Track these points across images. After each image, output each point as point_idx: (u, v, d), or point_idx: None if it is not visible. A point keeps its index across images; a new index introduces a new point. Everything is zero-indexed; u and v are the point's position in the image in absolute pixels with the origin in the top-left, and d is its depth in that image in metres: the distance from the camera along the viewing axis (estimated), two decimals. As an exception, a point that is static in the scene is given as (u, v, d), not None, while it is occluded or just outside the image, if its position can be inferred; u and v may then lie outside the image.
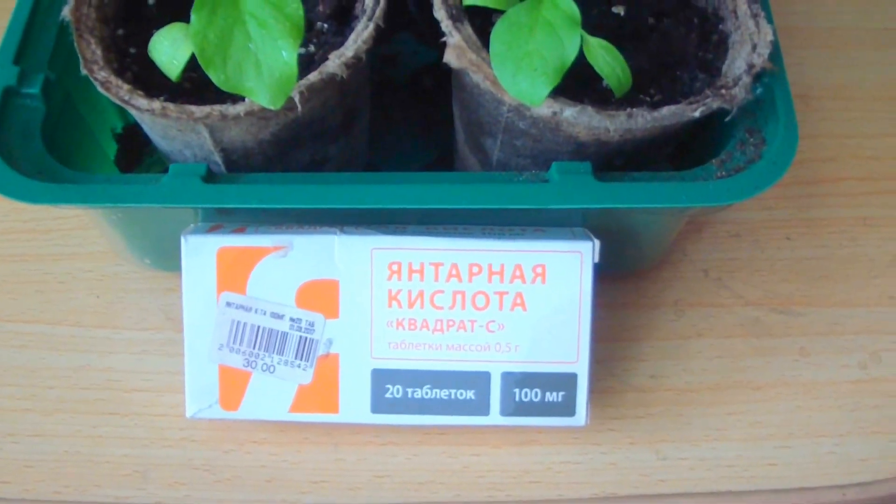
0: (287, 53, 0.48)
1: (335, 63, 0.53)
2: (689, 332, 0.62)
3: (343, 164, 0.61)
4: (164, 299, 0.63)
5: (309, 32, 0.58)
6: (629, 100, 0.55)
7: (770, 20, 0.56)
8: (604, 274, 0.58)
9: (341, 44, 0.54)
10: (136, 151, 0.66)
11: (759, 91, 0.56)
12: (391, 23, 0.58)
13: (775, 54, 0.56)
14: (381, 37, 0.56)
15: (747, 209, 0.67)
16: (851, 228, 0.66)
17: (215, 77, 0.48)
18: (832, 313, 0.63)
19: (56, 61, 0.58)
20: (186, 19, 0.50)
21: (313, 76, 0.52)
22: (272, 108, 0.49)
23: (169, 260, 0.60)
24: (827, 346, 0.62)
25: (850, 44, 0.75)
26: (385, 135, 0.68)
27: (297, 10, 0.49)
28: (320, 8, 0.59)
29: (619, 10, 0.59)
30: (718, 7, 0.59)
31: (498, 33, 0.49)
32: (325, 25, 0.58)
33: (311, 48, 0.57)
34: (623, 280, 0.64)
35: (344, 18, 0.58)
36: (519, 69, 0.48)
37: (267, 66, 0.48)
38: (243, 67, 0.48)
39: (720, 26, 0.59)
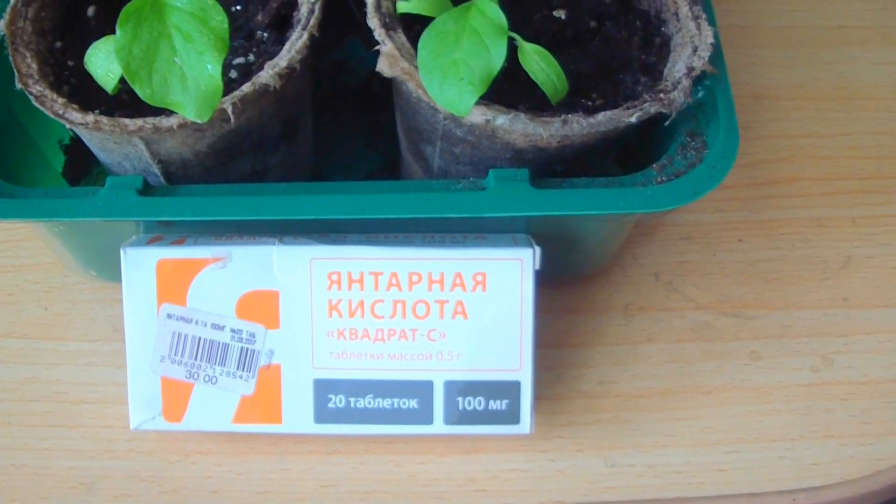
0: (212, 67, 0.48)
1: (268, 74, 0.52)
2: (638, 336, 0.62)
3: (286, 173, 0.61)
4: (110, 310, 0.63)
5: (249, 42, 0.58)
6: (570, 104, 0.55)
7: (712, 22, 0.56)
8: (552, 279, 0.58)
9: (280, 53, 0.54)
10: (84, 162, 0.66)
11: (700, 94, 0.55)
12: (339, 29, 0.58)
13: (717, 57, 0.55)
14: (327, 43, 0.55)
15: (699, 211, 0.66)
16: (805, 229, 0.66)
17: (141, 92, 0.48)
18: (784, 316, 0.63)
19: (-5, 75, 0.58)
20: None
21: (246, 87, 0.52)
22: (199, 121, 0.48)
23: (113, 271, 0.59)
24: (778, 349, 0.62)
25: (805, 43, 0.74)
26: (332, 141, 0.68)
27: (221, 23, 0.48)
28: (259, 17, 0.58)
29: (561, 14, 0.59)
30: (661, 10, 0.58)
31: (425, 42, 0.49)
32: (265, 34, 0.58)
33: (251, 57, 0.57)
34: (571, 285, 0.64)
35: (283, 27, 0.58)
36: (446, 78, 0.48)
37: (193, 79, 0.48)
38: (169, 82, 0.48)
39: (662, 29, 0.58)
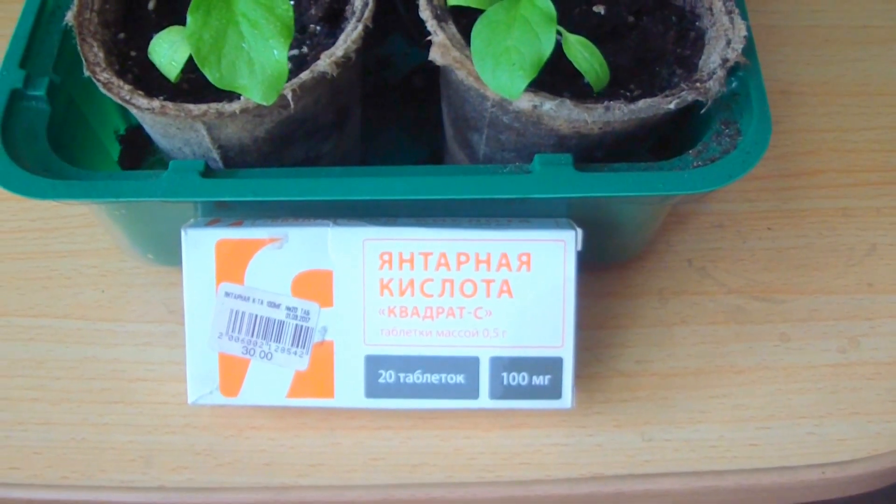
0: (278, 52, 0.51)
1: (326, 62, 0.55)
2: (673, 319, 0.64)
3: (336, 162, 0.63)
4: (166, 293, 0.65)
5: (302, 35, 0.61)
6: (609, 94, 0.57)
7: (745, 16, 0.59)
8: (590, 264, 0.60)
9: (333, 45, 0.57)
10: (139, 152, 0.69)
11: (734, 84, 0.58)
12: (383, 26, 0.61)
13: (749, 49, 0.58)
14: (372, 38, 0.58)
15: (730, 201, 0.69)
16: (831, 219, 0.68)
17: (210, 75, 0.51)
18: (812, 300, 0.65)
19: (60, 65, 0.61)
20: (184, 23, 0.52)
21: (305, 75, 0.55)
22: (265, 103, 0.51)
23: (170, 255, 0.63)
24: (807, 331, 0.64)
25: (829, 41, 0.77)
26: (378, 134, 0.71)
27: (286, 11, 0.51)
28: (312, 11, 0.61)
29: (600, 9, 0.62)
30: (695, 5, 0.61)
31: (478, 31, 0.52)
32: (318, 28, 0.61)
33: (305, 49, 0.60)
34: (609, 270, 0.66)
35: (336, 21, 0.61)
36: (498, 64, 0.51)
37: (259, 64, 0.51)
38: (237, 66, 0.51)
39: (697, 23, 0.61)
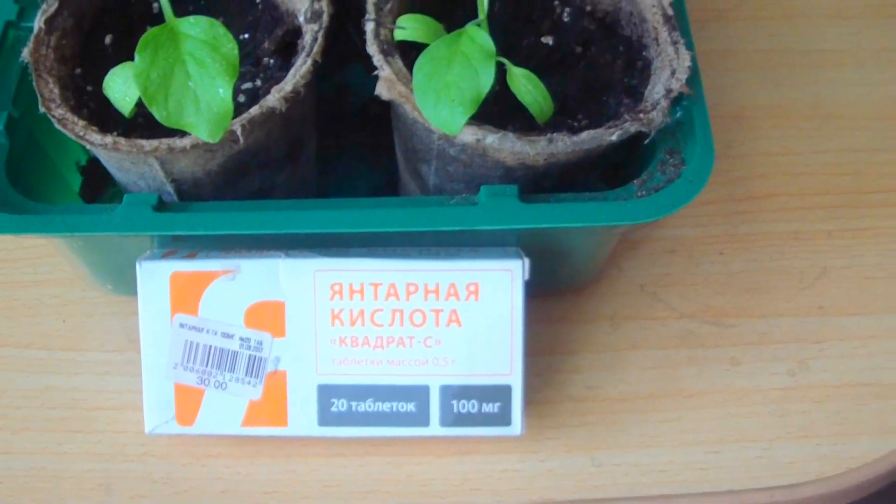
0: (223, 90, 0.52)
1: (275, 97, 0.56)
2: (624, 344, 0.65)
3: (291, 192, 0.64)
4: (125, 322, 0.66)
5: (256, 68, 0.62)
6: (557, 124, 0.58)
7: (690, 47, 0.60)
8: (542, 291, 0.61)
9: (285, 77, 0.58)
10: (100, 182, 0.69)
11: (678, 114, 0.59)
12: (340, 54, 0.62)
13: (694, 79, 0.59)
14: (329, 67, 0.59)
15: (682, 226, 0.70)
16: (782, 242, 0.69)
17: (158, 114, 0.52)
18: (762, 324, 0.66)
19: (19, 100, 0.62)
20: None
21: (254, 110, 0.56)
22: (211, 141, 0.52)
23: (129, 285, 0.63)
24: (757, 355, 0.65)
25: (782, 65, 0.78)
26: (335, 161, 0.72)
27: (231, 50, 0.52)
28: (266, 45, 0.62)
29: (548, 39, 0.63)
30: (642, 35, 0.62)
31: (420, 66, 0.53)
32: (271, 61, 0.62)
33: (258, 83, 0.61)
34: (561, 296, 0.67)
35: (289, 54, 0.62)
36: (439, 100, 0.52)
37: (205, 102, 0.52)
38: (183, 104, 0.52)
39: (644, 53, 0.62)
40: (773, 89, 0.77)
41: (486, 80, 0.52)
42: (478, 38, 0.52)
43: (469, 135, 0.54)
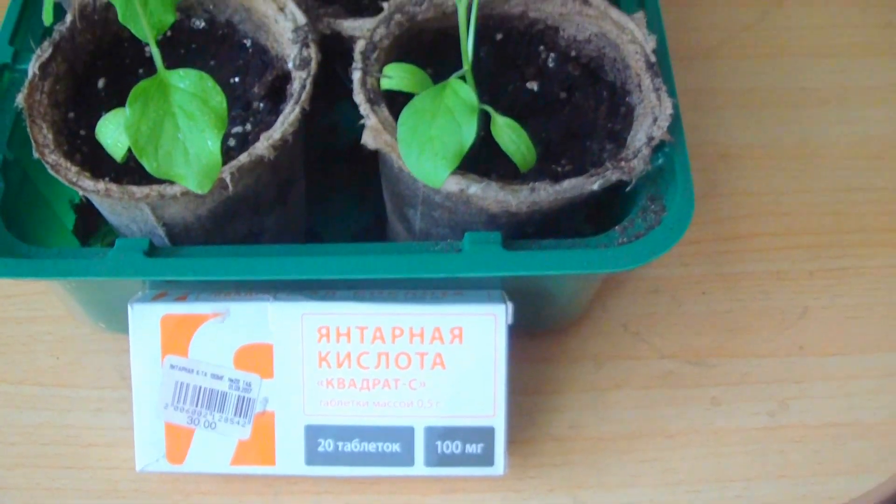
0: (212, 142, 0.53)
1: (263, 145, 0.57)
2: (607, 384, 0.66)
3: (281, 232, 0.66)
4: (118, 360, 0.67)
5: (246, 111, 0.63)
6: (541, 170, 0.59)
7: (673, 93, 0.61)
8: (527, 330, 0.63)
9: (275, 122, 0.59)
10: (93, 221, 0.71)
11: (660, 160, 0.60)
12: (330, 93, 0.63)
13: (676, 126, 0.60)
14: (318, 108, 0.60)
15: (666, 265, 0.71)
16: (765, 282, 0.70)
17: (148, 165, 0.53)
18: (743, 364, 0.67)
19: (14, 142, 0.63)
20: None
21: (243, 157, 0.57)
22: (200, 192, 0.53)
23: (121, 323, 0.64)
24: (737, 395, 0.66)
25: (768, 103, 0.79)
26: (324, 200, 0.73)
27: (220, 103, 0.53)
28: (256, 89, 0.63)
29: (533, 85, 0.64)
30: (625, 81, 0.63)
31: (404, 119, 0.54)
32: (261, 105, 0.63)
33: (248, 127, 0.62)
34: (545, 336, 0.68)
35: (278, 98, 0.63)
36: (422, 153, 0.53)
37: (194, 154, 0.53)
38: (173, 156, 0.53)
39: (627, 99, 0.63)
40: (759, 128, 0.78)
41: (469, 135, 0.53)
42: (461, 91, 0.54)
43: (453, 184, 0.55)
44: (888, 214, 0.73)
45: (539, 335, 0.68)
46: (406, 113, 0.54)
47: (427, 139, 0.53)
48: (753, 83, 0.80)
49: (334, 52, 0.65)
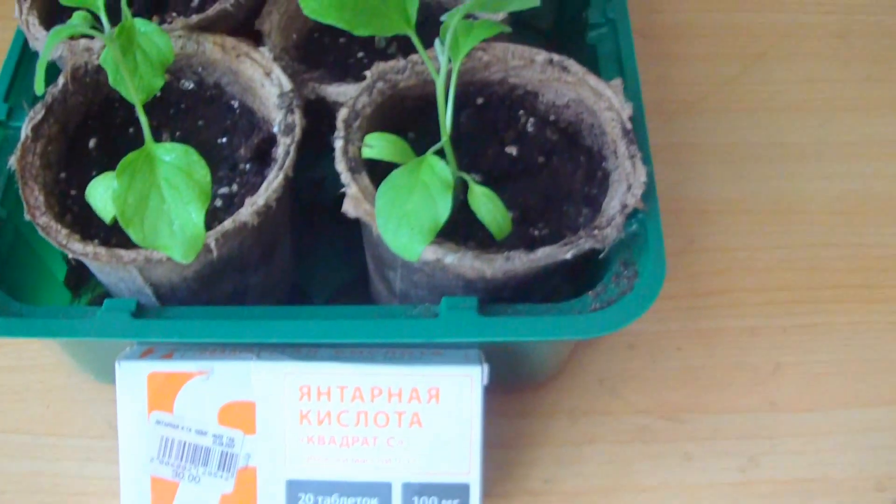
0: (196, 215, 0.55)
1: (247, 212, 0.59)
2: (582, 438, 0.68)
3: (266, 289, 0.67)
4: (106, 409, 0.69)
5: (233, 172, 0.65)
6: (518, 234, 0.61)
7: (647, 161, 0.62)
8: (505, 386, 0.64)
9: (261, 183, 0.61)
10: (84, 272, 0.72)
11: (633, 226, 0.62)
12: (316, 147, 0.65)
13: (649, 193, 0.62)
14: (305, 161, 0.62)
15: (643, 321, 0.70)
16: (739, 338, 0.72)
17: (134, 236, 0.55)
18: (716, 419, 0.69)
19: (7, 200, 0.65)
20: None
21: (227, 224, 0.59)
22: (185, 262, 0.55)
23: (110, 375, 0.66)
24: (709, 450, 0.68)
25: (748, 158, 0.81)
26: (310, 254, 0.75)
27: (204, 176, 0.55)
28: (242, 151, 0.65)
29: (512, 150, 0.66)
30: (602, 146, 0.65)
31: (382, 192, 0.55)
32: (248, 166, 0.65)
33: (235, 188, 0.64)
34: (523, 390, 0.70)
35: (265, 159, 0.65)
36: (399, 227, 0.54)
37: (179, 226, 0.55)
38: (158, 227, 0.55)
39: (604, 164, 0.65)
40: (737, 183, 0.79)
41: (444, 211, 0.54)
42: (437, 167, 0.55)
43: (429, 254, 0.57)
44: (862, 270, 0.75)
45: (516, 390, 0.70)
46: (384, 187, 0.56)
47: (403, 214, 0.55)
48: (733, 138, 0.82)
49: (321, 111, 0.67)
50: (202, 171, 0.55)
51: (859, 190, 0.79)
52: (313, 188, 0.77)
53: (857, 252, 0.76)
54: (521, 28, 0.69)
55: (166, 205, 0.55)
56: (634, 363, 0.71)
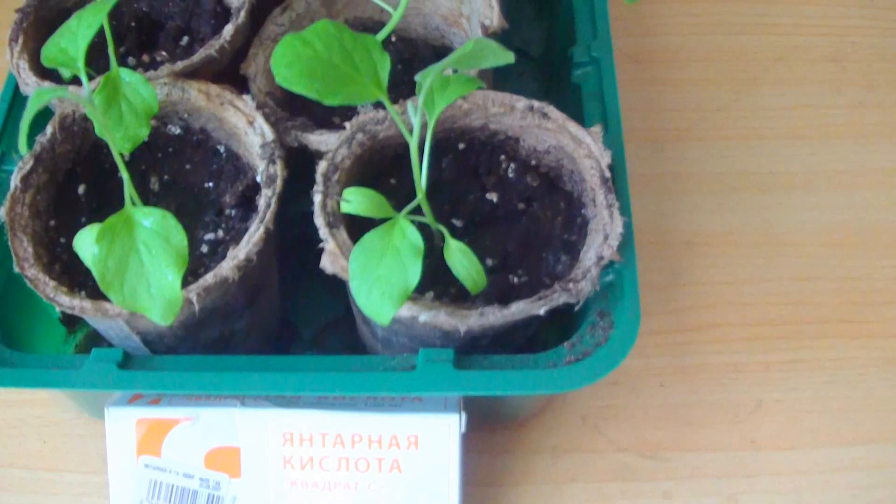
0: (173, 278, 0.56)
1: (229, 265, 0.60)
2: (563, 477, 0.69)
3: (253, 330, 0.69)
4: (101, 445, 0.70)
5: (218, 217, 0.66)
6: (497, 282, 0.62)
7: (626, 211, 0.63)
8: (487, 425, 0.65)
9: (246, 230, 0.62)
10: (80, 310, 0.74)
11: (609, 276, 0.62)
12: (303, 182, 0.66)
13: (626, 244, 0.62)
14: (292, 195, 0.64)
15: (627, 357, 0.73)
16: (721, 374, 0.73)
17: (114, 298, 0.56)
18: (696, 457, 0.70)
19: None
20: (113, 207, 0.58)
21: (209, 278, 0.60)
22: (163, 324, 0.56)
23: (101, 412, 0.68)
24: (689, 489, 0.69)
25: (735, 188, 0.81)
26: (298, 289, 0.76)
27: (181, 241, 0.56)
28: (227, 198, 0.66)
29: (493, 196, 0.66)
30: (582, 193, 0.65)
31: (355, 255, 0.56)
32: (233, 212, 0.66)
33: (220, 233, 0.65)
34: (505, 428, 0.71)
35: (250, 205, 0.66)
36: (371, 291, 0.56)
37: (157, 289, 0.56)
38: (137, 290, 0.56)
39: (583, 211, 0.65)
40: (725, 214, 0.80)
41: (414, 276, 0.55)
42: (408, 232, 0.56)
43: (405, 311, 0.58)
44: (848, 304, 0.75)
45: (498, 428, 0.71)
46: (357, 250, 0.57)
47: (375, 278, 0.56)
48: (723, 167, 0.82)
49: (307, 151, 0.68)
50: (179, 237, 0.57)
51: (848, 221, 0.79)
52: (301, 222, 0.78)
53: (844, 286, 0.76)
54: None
55: (145, 269, 0.56)
56: (618, 399, 0.72)
